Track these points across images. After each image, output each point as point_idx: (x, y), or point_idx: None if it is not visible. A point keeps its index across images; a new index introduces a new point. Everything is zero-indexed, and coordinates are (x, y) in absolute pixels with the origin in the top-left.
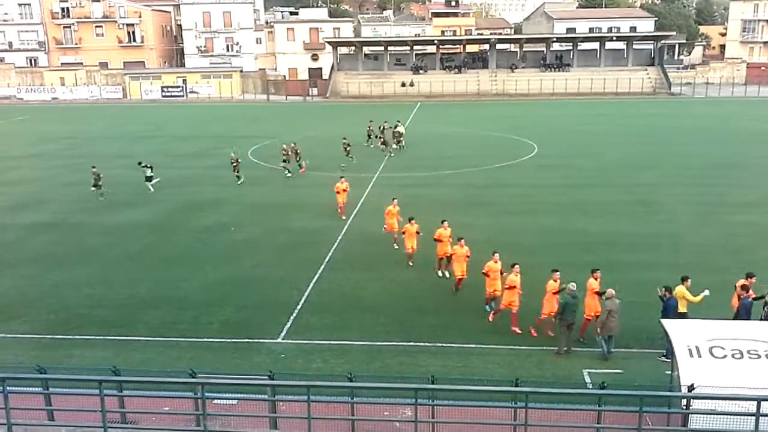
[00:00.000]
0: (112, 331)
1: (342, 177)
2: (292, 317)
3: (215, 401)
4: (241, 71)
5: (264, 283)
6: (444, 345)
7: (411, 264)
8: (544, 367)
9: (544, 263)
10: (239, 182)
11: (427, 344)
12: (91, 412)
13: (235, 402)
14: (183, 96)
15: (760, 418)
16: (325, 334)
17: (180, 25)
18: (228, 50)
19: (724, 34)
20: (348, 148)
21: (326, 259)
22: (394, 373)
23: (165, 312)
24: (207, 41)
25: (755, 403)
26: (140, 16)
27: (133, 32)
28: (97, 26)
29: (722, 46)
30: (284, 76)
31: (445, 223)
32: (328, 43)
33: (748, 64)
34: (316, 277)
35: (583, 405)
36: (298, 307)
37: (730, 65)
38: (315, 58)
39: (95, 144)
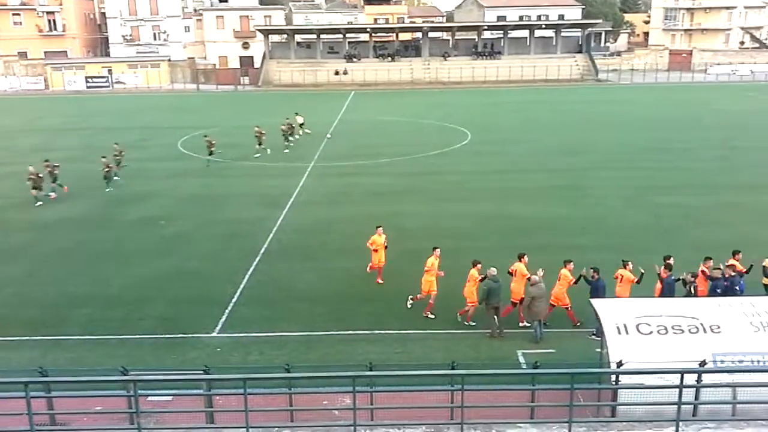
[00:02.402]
0: (39, 331)
1: (378, 227)
2: (227, 310)
3: (149, 398)
4: (170, 60)
5: (198, 277)
6: (382, 332)
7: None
8: (480, 350)
9: (481, 248)
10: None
11: (365, 332)
12: (18, 416)
13: (170, 398)
14: (109, 86)
15: (683, 389)
16: (262, 326)
17: (104, 13)
18: (155, 39)
19: (647, 22)
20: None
21: (261, 251)
22: (333, 362)
23: (95, 309)
24: (133, 30)
25: (679, 375)
26: (61, 4)
27: (54, 20)
28: (14, 14)
29: (646, 34)
30: (214, 65)
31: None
32: (259, 31)
33: (670, 51)
34: (251, 269)
35: (518, 385)
36: (234, 300)
37: (654, 52)
38: (246, 46)
39: (15, 137)
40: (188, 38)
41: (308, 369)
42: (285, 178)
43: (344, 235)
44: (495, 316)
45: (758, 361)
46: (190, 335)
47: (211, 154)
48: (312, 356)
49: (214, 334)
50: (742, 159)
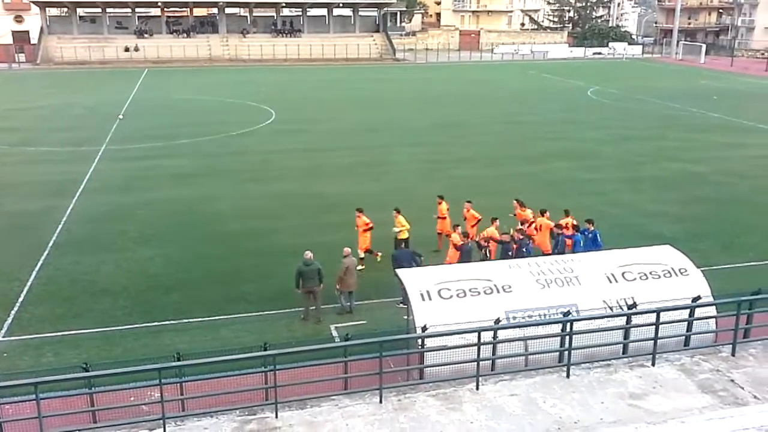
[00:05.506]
0: None
1: (359, 210)
2: (13, 312)
3: None
4: None
5: None
6: (190, 320)
7: None
8: (293, 329)
9: (289, 227)
10: None
11: (172, 322)
12: None
13: None
14: None
15: (482, 347)
16: (56, 325)
17: None
18: None
19: (439, 3)
20: None
21: (50, 244)
22: (138, 357)
23: None
24: None
25: (476, 334)
26: None
27: None
28: None
29: (438, 15)
30: None
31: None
32: (34, 3)
33: (460, 31)
34: (39, 264)
35: (332, 359)
36: (20, 299)
37: (446, 32)
38: (19, 20)
39: None
40: None
41: (109, 366)
42: (72, 164)
43: (144, 222)
44: (311, 300)
45: (544, 315)
46: None
47: None
48: (114, 352)
49: None
50: (523, 132)
